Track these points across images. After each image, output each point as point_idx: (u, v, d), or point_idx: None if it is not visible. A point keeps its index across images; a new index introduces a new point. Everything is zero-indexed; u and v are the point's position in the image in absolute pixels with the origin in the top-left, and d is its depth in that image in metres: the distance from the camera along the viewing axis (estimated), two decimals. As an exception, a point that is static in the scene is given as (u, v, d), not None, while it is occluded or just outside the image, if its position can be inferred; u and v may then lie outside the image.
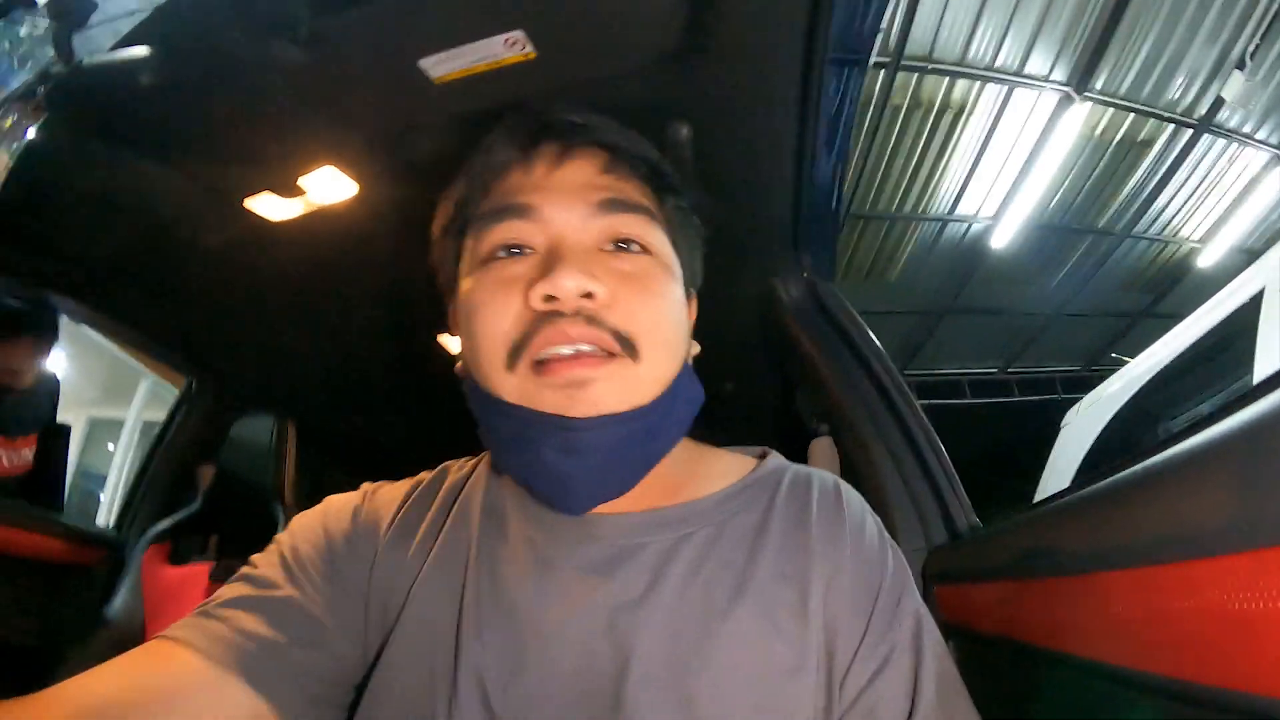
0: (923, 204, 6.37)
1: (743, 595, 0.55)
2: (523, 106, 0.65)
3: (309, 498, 1.82)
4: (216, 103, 1.07)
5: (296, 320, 1.65)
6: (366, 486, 0.70)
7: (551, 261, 0.56)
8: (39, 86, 1.07)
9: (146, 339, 1.86)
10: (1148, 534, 0.56)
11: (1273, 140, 6.08)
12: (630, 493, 0.59)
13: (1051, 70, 5.38)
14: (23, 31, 1.12)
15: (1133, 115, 5.83)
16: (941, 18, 4.90)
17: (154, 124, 1.13)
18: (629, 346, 0.55)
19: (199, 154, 1.18)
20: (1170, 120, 5.86)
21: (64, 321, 2.14)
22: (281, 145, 1.13)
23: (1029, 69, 5.37)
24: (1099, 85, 5.46)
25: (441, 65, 0.98)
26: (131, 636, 1.65)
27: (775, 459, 0.67)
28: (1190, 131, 5.95)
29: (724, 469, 0.65)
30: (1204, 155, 6.26)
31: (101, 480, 6.50)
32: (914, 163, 5.99)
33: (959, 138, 5.84)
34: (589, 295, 0.55)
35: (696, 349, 0.67)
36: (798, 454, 1.36)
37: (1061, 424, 3.66)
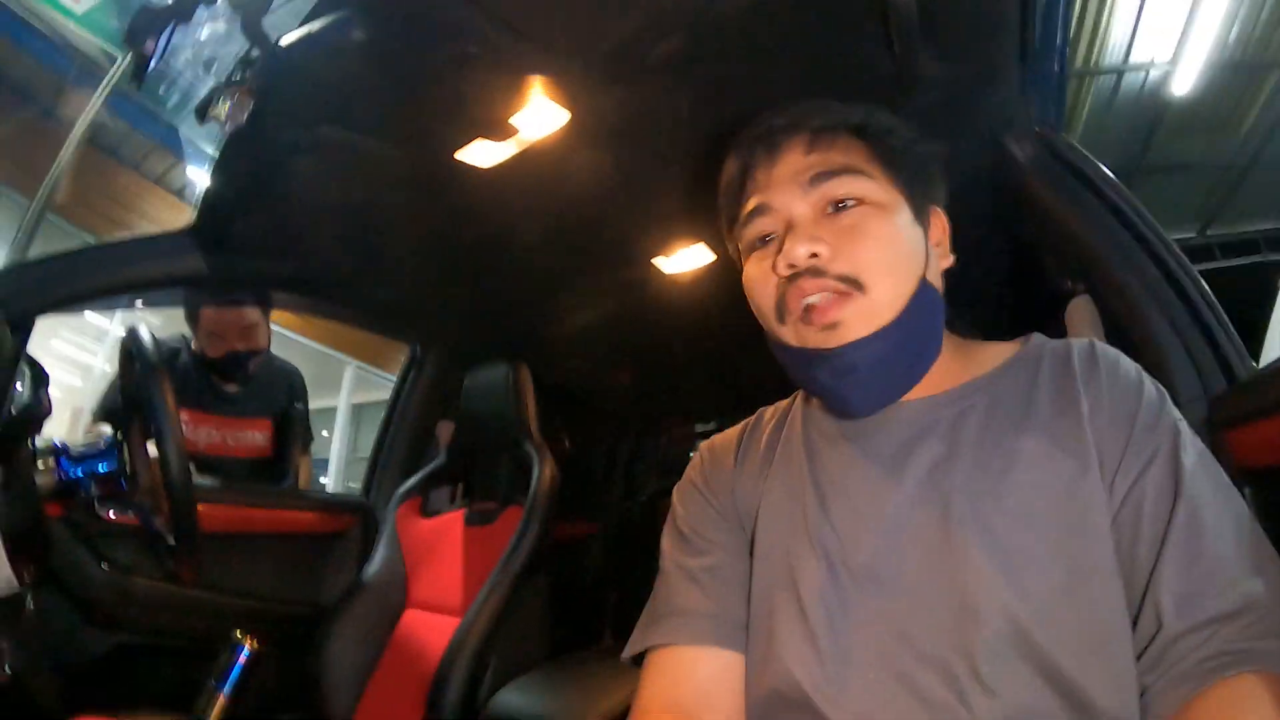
0: (1093, 57, 5.79)
1: (1026, 433, 0.67)
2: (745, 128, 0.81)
3: (554, 434, 1.90)
4: (417, 55, 1.09)
5: (511, 266, 1.69)
6: (703, 445, 0.90)
7: (784, 239, 0.72)
8: (241, 72, 1.13)
9: (369, 315, 1.98)
10: None
11: None
12: (925, 383, 0.74)
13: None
14: (204, 35, 1.15)
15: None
16: None
17: (359, 93, 1.16)
18: (856, 284, 0.69)
19: (407, 114, 1.21)
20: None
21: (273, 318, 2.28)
22: (487, 85, 1.14)
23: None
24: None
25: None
26: (394, 588, 1.81)
27: (1037, 339, 0.78)
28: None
29: (993, 354, 0.77)
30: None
31: (324, 465, 7.15)
32: (1077, 12, 5.44)
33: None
34: (816, 255, 0.70)
35: (948, 261, 0.81)
36: (1053, 319, 1.30)
37: (1278, 284, 3.30)
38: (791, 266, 0.70)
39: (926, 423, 0.72)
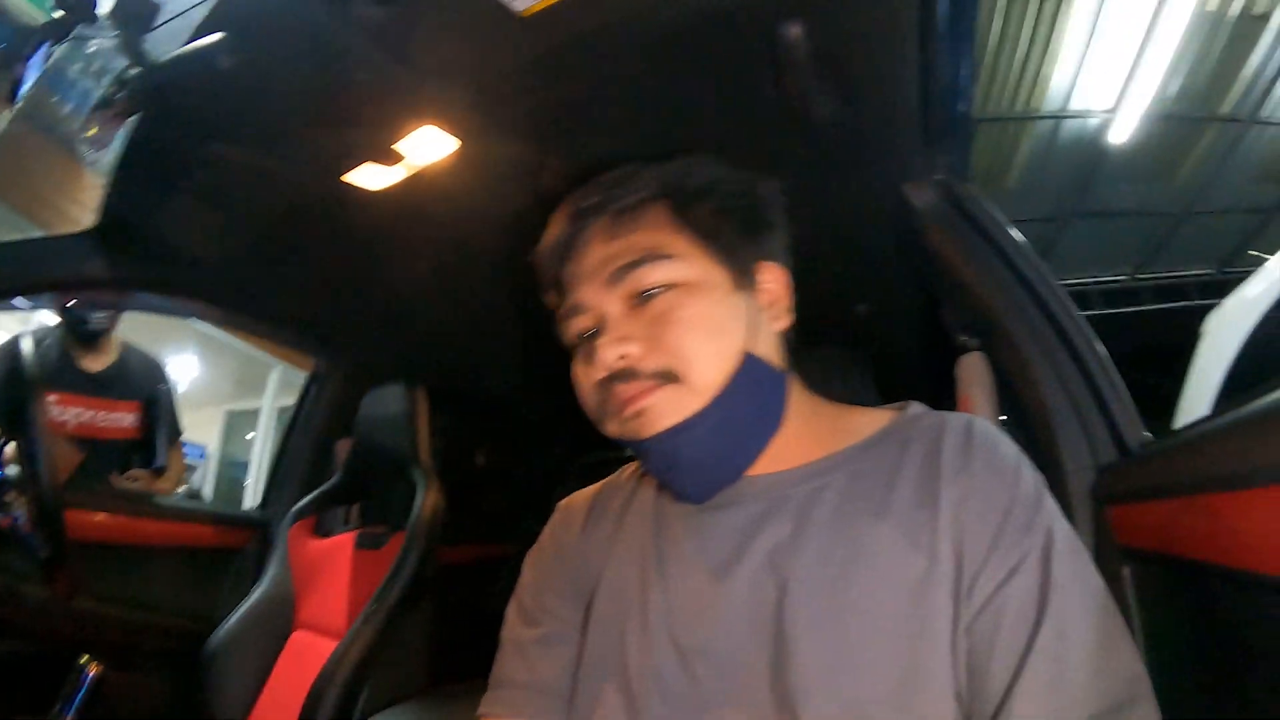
0: (1034, 102, 5.94)
1: (881, 521, 0.62)
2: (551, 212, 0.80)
3: (445, 461, 1.88)
4: (301, 77, 1.05)
5: (411, 289, 1.66)
6: (559, 505, 0.87)
7: (598, 342, 0.69)
8: (118, 92, 1.09)
9: (271, 327, 1.91)
10: None
11: None
12: (772, 456, 0.70)
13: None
14: (91, 48, 1.13)
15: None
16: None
17: (241, 111, 1.12)
18: (669, 377, 0.66)
19: (291, 134, 1.16)
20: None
21: (192, 324, 2.29)
22: (374, 110, 1.09)
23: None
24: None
25: (523, -1, 0.93)
26: (283, 608, 1.76)
27: (914, 409, 0.73)
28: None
29: (862, 424, 0.72)
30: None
31: (244, 467, 6.96)
32: (1019, 58, 5.58)
33: (1064, 26, 5.39)
34: (625, 356, 0.67)
35: (783, 322, 0.76)
36: (946, 373, 1.27)
37: (1200, 331, 3.39)
38: (605, 372, 0.68)
39: (776, 499, 0.68)
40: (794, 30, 0.93)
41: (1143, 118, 6.04)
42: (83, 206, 1.34)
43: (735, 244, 0.73)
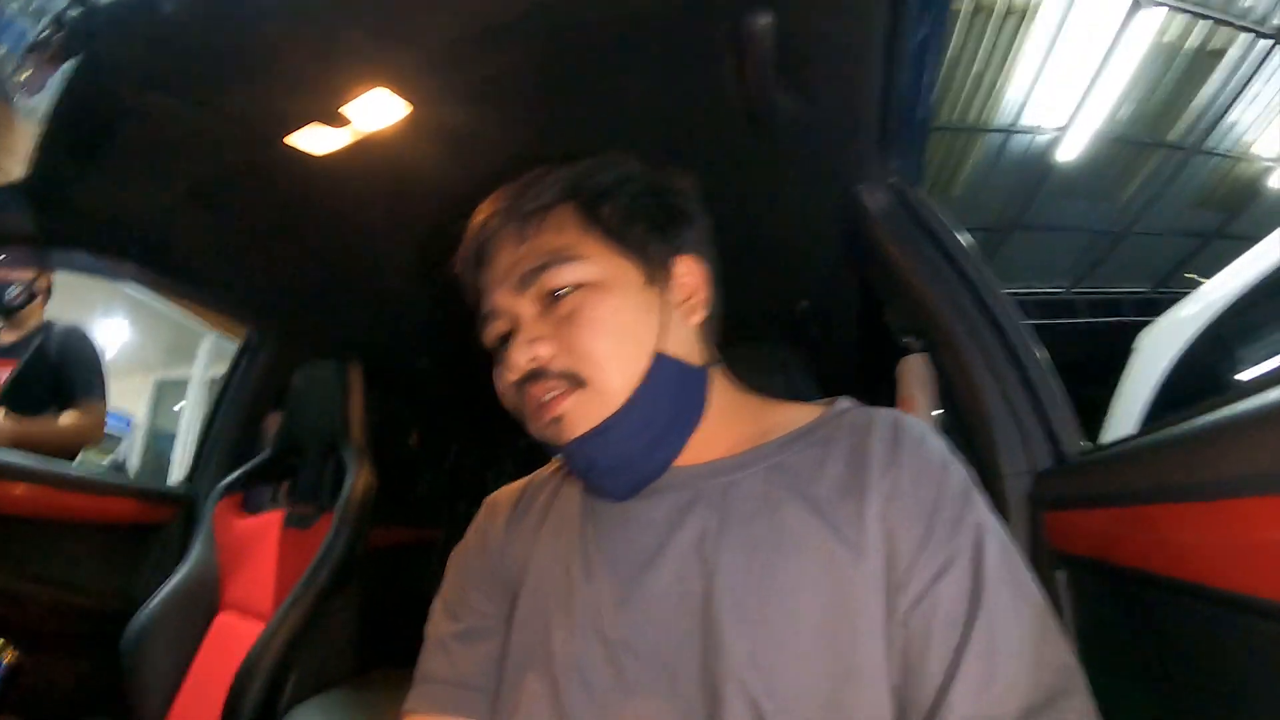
0: (986, 115, 6.05)
1: (806, 512, 0.62)
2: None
3: (377, 440, 1.83)
4: (248, 31, 1.01)
5: (351, 260, 1.61)
6: (486, 501, 0.86)
7: (509, 348, 0.69)
8: (53, 34, 1.04)
9: (202, 292, 1.84)
10: None
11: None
12: (696, 449, 0.70)
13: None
14: None
15: (1206, 22, 5.41)
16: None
17: (184, 63, 1.07)
18: (577, 380, 0.66)
19: (235, 90, 1.12)
20: (1245, 30, 5.42)
21: (122, 286, 2.16)
22: (324, 70, 1.06)
23: (1095, -31, 5.01)
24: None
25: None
26: (207, 589, 1.69)
27: (843, 403, 0.73)
28: (1266, 42, 5.48)
29: (790, 419, 0.72)
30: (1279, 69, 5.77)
31: (172, 440, 6.72)
32: (975, 71, 5.66)
33: (1023, 44, 5.50)
34: (535, 359, 0.67)
35: (698, 316, 0.75)
36: (886, 373, 1.28)
37: (1133, 347, 3.49)
38: (516, 376, 0.69)
39: (698, 491, 0.68)
40: (762, 21, 0.92)
41: (1092, 138, 6.20)
42: (12, 156, 1.26)
43: (645, 240, 0.72)
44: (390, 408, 1.90)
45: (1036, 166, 6.52)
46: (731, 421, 0.73)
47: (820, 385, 1.19)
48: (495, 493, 0.87)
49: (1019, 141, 6.38)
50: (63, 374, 2.20)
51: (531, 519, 0.79)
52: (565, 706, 0.63)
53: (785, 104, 1.03)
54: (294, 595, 1.48)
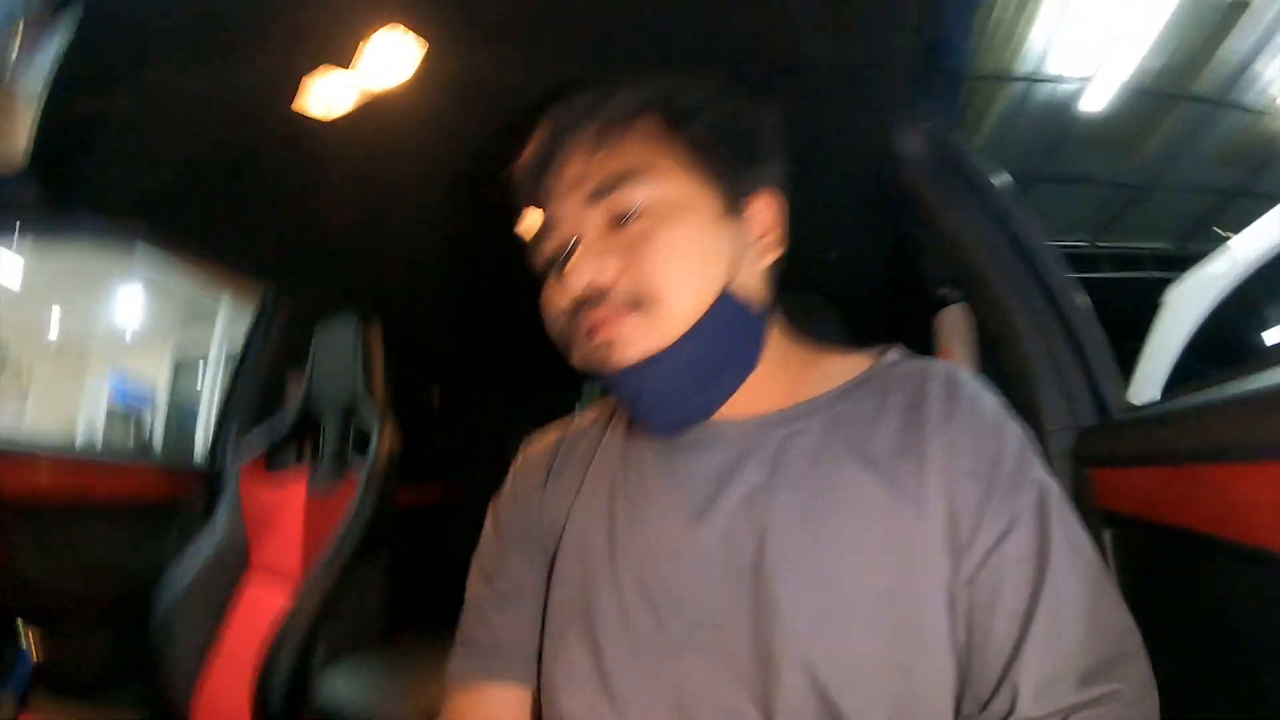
0: (1008, 62, 5.92)
1: (863, 470, 0.59)
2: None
3: (398, 394, 1.82)
4: None
5: (366, 217, 1.58)
6: (522, 449, 0.82)
7: (566, 267, 0.65)
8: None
9: (219, 256, 1.82)
10: None
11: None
12: (746, 399, 0.67)
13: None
14: None
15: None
16: None
17: (188, 20, 1.04)
18: (640, 303, 0.62)
19: (241, 49, 1.09)
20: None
21: (134, 255, 2.13)
22: (334, 16, 1.03)
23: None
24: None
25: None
26: (235, 555, 1.69)
27: (893, 354, 0.69)
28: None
29: (838, 369, 0.69)
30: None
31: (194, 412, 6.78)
32: (996, 14, 5.52)
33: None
34: (597, 282, 0.63)
35: (772, 255, 0.71)
36: (923, 325, 1.25)
37: (1160, 301, 3.43)
38: (580, 296, 0.64)
39: (749, 446, 0.64)
40: None
41: (1117, 89, 6.06)
42: (10, 139, 1.25)
43: (728, 167, 0.67)
44: (409, 366, 1.88)
45: (1061, 117, 6.39)
46: (783, 372, 0.69)
47: (853, 337, 1.17)
48: (530, 442, 0.83)
49: (1042, 90, 6.24)
50: None
51: (570, 471, 0.76)
52: (607, 666, 0.61)
53: (821, 44, 0.99)
54: (323, 561, 1.48)
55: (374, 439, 1.62)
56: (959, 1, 1.02)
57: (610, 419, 0.79)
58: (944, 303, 1.19)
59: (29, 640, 1.09)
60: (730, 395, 0.66)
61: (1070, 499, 0.85)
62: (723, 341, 0.65)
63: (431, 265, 1.80)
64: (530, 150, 0.71)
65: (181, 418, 7.23)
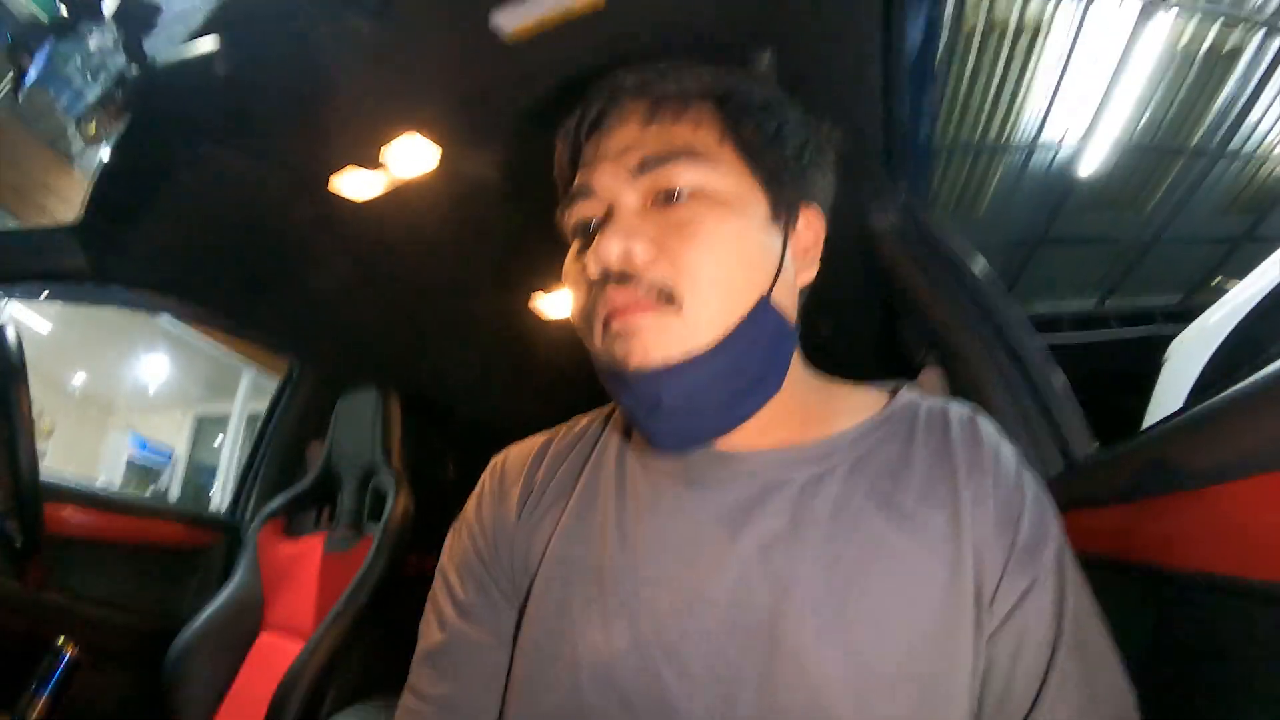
0: (1006, 133, 6.05)
1: (894, 521, 0.55)
2: (588, 82, 0.67)
3: (415, 465, 1.90)
4: (293, 83, 1.09)
5: (389, 295, 1.68)
6: (494, 459, 0.75)
7: (598, 236, 0.58)
8: (116, 91, 1.10)
9: (249, 328, 1.92)
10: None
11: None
12: (762, 427, 0.61)
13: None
14: (93, 45, 1.12)
15: (1219, 23, 5.38)
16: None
17: (234, 113, 1.15)
18: (668, 298, 0.56)
19: (281, 137, 1.20)
20: (1262, 26, 5.38)
21: (165, 323, 2.23)
22: (362, 119, 1.14)
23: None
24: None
25: (513, 19, 0.96)
26: (250, 610, 1.77)
27: (908, 392, 0.66)
28: (1280, 38, 5.45)
29: (858, 403, 0.64)
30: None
31: (212, 472, 6.87)
32: (993, 90, 5.66)
33: (1038, 60, 5.49)
34: (629, 256, 0.57)
35: (810, 274, 0.66)
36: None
37: (1164, 357, 3.47)
38: (601, 268, 0.58)
39: (771, 484, 0.59)
40: (763, 59, 0.98)
41: (1111, 149, 6.17)
42: (64, 202, 1.35)
43: (783, 171, 0.63)
44: (427, 439, 1.96)
45: (1059, 181, 6.48)
46: (799, 402, 0.64)
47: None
48: (504, 454, 0.75)
49: (1041, 158, 6.36)
50: None
51: (554, 492, 0.68)
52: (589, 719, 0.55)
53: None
54: (334, 613, 1.54)
55: (389, 502, 1.70)
56: (919, 83, 1.10)
57: (604, 430, 0.72)
58: (920, 365, 1.27)
59: (66, 654, 1.14)
60: (750, 416, 0.61)
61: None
62: (756, 357, 0.60)
63: (450, 343, 1.89)
64: (581, 107, 0.66)
65: (199, 477, 7.32)
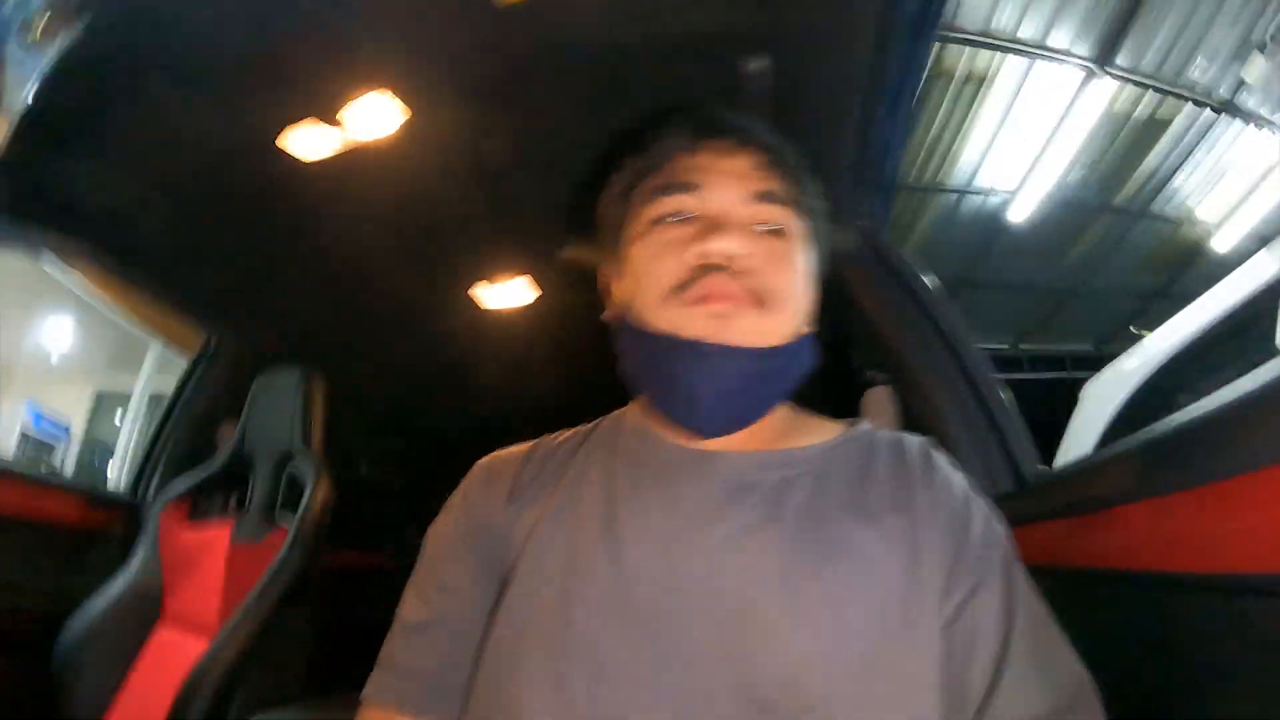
0: (942, 175, 6.29)
1: (858, 520, 0.63)
2: (691, 105, 0.77)
3: (336, 452, 1.80)
4: (250, 24, 1.01)
5: (324, 271, 1.60)
6: (480, 463, 0.80)
7: (711, 230, 0.67)
8: None
9: (168, 291, 1.81)
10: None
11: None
12: (739, 437, 0.69)
13: (1074, 44, 5.28)
14: None
15: (1154, 93, 5.73)
16: (965, -17, 4.82)
17: (186, 49, 1.07)
18: (762, 302, 0.66)
19: (235, 81, 1.12)
20: (1192, 100, 5.75)
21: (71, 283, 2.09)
22: (322, 71, 1.08)
23: (1052, 42, 5.27)
24: (1122, 61, 5.35)
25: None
26: (148, 599, 1.63)
27: (864, 425, 0.74)
28: (1209, 112, 5.85)
29: (818, 428, 0.74)
30: (1221, 137, 6.12)
31: (109, 452, 6.47)
32: (933, 133, 5.90)
33: (980, 109, 5.75)
34: (739, 259, 0.66)
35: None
36: (850, 405, 1.32)
37: (1080, 394, 3.62)
38: (720, 259, 0.66)
39: (745, 483, 0.66)
40: (759, 64, 0.97)
41: (1042, 201, 6.47)
42: None
43: (816, 233, 0.75)
44: (339, 435, 1.85)
45: (988, 226, 6.78)
46: (778, 420, 0.73)
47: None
48: (491, 456, 0.81)
49: (972, 201, 6.63)
50: None
51: (540, 487, 0.73)
52: (571, 692, 0.58)
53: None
54: (244, 609, 1.43)
55: (308, 490, 1.59)
56: (897, 106, 1.12)
57: (584, 440, 0.78)
58: (869, 384, 1.27)
59: None
60: (757, 419, 0.70)
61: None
62: (791, 371, 0.70)
63: (382, 329, 1.81)
64: (690, 125, 0.74)
65: (96, 458, 6.91)
